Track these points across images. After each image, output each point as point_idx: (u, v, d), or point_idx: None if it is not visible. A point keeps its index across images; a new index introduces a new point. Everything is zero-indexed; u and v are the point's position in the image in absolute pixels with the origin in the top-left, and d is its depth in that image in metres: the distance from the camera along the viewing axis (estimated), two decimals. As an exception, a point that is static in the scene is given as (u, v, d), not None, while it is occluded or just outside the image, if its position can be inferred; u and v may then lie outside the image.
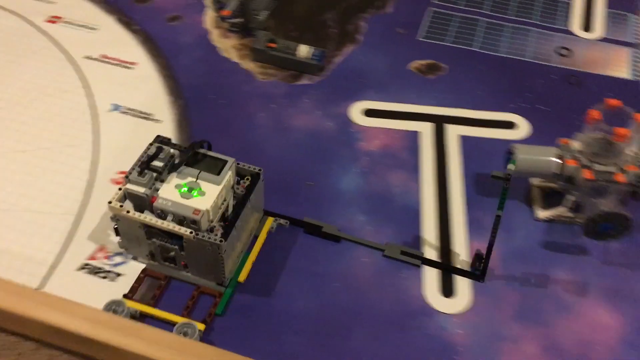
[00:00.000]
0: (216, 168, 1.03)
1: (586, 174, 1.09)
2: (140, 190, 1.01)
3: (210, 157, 1.05)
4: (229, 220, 1.03)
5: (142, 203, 1.03)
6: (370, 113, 1.39)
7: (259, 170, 1.09)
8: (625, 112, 1.08)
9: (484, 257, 1.08)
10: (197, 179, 1.02)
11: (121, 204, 1.01)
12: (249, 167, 1.09)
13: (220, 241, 0.98)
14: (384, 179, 1.27)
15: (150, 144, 1.07)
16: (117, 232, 1.06)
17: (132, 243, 1.07)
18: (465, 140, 1.34)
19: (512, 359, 1.01)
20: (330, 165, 1.28)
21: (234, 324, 1.04)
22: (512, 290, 1.09)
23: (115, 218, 1.03)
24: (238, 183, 1.08)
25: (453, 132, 1.35)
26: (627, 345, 1.03)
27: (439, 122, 1.37)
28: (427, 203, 1.22)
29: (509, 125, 1.37)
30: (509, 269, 1.12)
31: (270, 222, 1.16)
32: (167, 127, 1.32)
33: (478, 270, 1.10)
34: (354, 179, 1.26)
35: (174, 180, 1.02)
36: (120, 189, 1.02)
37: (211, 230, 1.00)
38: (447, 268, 1.12)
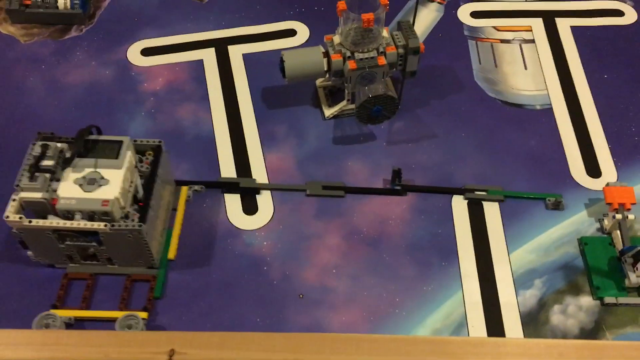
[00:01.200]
0: (113, 151, 0.98)
1: (351, 65, 1.13)
2: (37, 195, 0.94)
3: (104, 142, 0.99)
4: (142, 202, 0.98)
5: (43, 208, 0.95)
6: (149, 52, 1.34)
7: (160, 142, 1.04)
8: (372, -3, 1.12)
9: (401, 172, 1.10)
10: (95, 167, 0.96)
11: (20, 215, 0.93)
12: (148, 142, 1.03)
13: (140, 226, 0.94)
14: (173, 115, 1.24)
15: (33, 143, 0.98)
16: (23, 245, 0.99)
17: (45, 251, 0.99)
18: (249, 58, 1.33)
19: (318, 252, 1.07)
20: (116, 115, 1.24)
21: (176, 302, 1.01)
22: (311, 191, 1.14)
23: (18, 231, 0.95)
24: (141, 161, 1.02)
25: (236, 53, 1.34)
26: (415, 212, 1.12)
27: (221, 45, 1.35)
28: (220, 128, 1.22)
29: (290, 33, 1.38)
30: (307, 172, 1.17)
31: (185, 191, 1.11)
32: None
33: (398, 186, 1.12)
34: (142, 122, 1.23)
35: (71, 175, 0.96)
36: (13, 199, 0.94)
37: (126, 217, 0.96)
38: (368, 191, 1.13)
